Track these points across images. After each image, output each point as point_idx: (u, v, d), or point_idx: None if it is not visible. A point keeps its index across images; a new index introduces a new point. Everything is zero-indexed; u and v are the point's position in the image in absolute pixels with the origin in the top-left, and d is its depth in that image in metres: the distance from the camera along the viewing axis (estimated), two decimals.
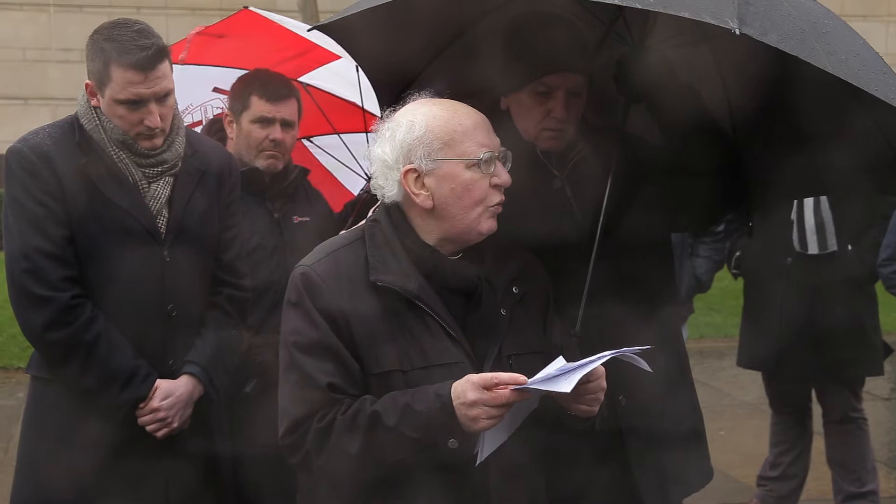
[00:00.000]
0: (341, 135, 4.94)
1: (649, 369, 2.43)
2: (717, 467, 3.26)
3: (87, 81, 3.13)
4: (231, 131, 3.97)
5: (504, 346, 2.49)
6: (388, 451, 2.33)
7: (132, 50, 3.02)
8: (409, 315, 2.42)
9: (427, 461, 2.34)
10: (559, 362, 2.28)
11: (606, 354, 2.30)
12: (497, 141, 2.49)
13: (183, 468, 3.19)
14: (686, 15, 2.25)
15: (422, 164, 2.44)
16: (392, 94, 3.15)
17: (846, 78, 2.35)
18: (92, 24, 3.34)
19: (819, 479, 5.70)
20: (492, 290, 2.52)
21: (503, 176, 2.47)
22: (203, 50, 4.66)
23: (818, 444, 5.44)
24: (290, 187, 4.00)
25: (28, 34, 18.02)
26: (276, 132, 3.88)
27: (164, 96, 3.11)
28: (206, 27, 4.77)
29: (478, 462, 2.34)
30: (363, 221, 2.59)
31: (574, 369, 2.25)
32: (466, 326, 2.47)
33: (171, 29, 14.34)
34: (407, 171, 2.45)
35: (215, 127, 4.21)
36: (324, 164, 5.05)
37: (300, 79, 4.66)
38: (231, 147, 3.90)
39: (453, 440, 2.30)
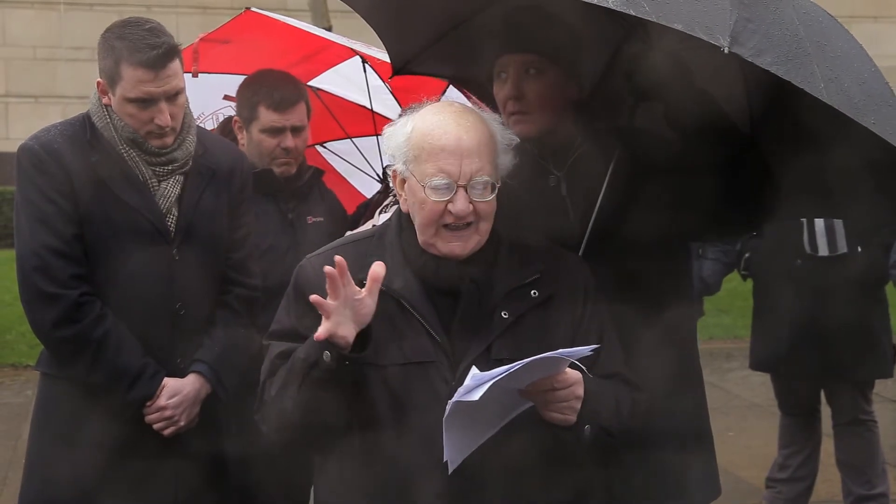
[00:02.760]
0: (353, 139, 4.93)
1: (586, 371, 2.39)
2: (725, 468, 3.24)
3: (99, 80, 3.14)
4: (242, 137, 3.94)
5: (494, 348, 2.45)
6: (289, 380, 2.39)
7: (143, 48, 3.03)
8: (395, 313, 2.44)
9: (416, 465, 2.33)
10: (474, 372, 2.26)
11: (522, 362, 2.24)
12: (471, 168, 2.39)
13: (189, 467, 3.19)
14: (679, 27, 2.19)
15: (401, 168, 2.48)
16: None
17: (838, 107, 2.27)
18: (102, 22, 3.35)
19: (828, 480, 5.67)
20: (480, 291, 2.48)
21: (458, 205, 2.39)
22: (210, 57, 4.63)
23: (828, 446, 5.41)
24: (304, 188, 3.98)
25: (38, 32, 18.03)
26: (287, 140, 3.85)
27: (175, 95, 3.11)
28: (209, 33, 4.73)
29: (450, 471, 2.33)
30: (376, 221, 2.61)
31: (488, 379, 2.22)
32: (451, 327, 2.46)
33: (181, 28, 14.31)
34: (395, 171, 2.51)
35: (228, 127, 4.19)
36: (337, 169, 5.04)
37: (309, 83, 4.63)
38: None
39: (327, 353, 2.31)
